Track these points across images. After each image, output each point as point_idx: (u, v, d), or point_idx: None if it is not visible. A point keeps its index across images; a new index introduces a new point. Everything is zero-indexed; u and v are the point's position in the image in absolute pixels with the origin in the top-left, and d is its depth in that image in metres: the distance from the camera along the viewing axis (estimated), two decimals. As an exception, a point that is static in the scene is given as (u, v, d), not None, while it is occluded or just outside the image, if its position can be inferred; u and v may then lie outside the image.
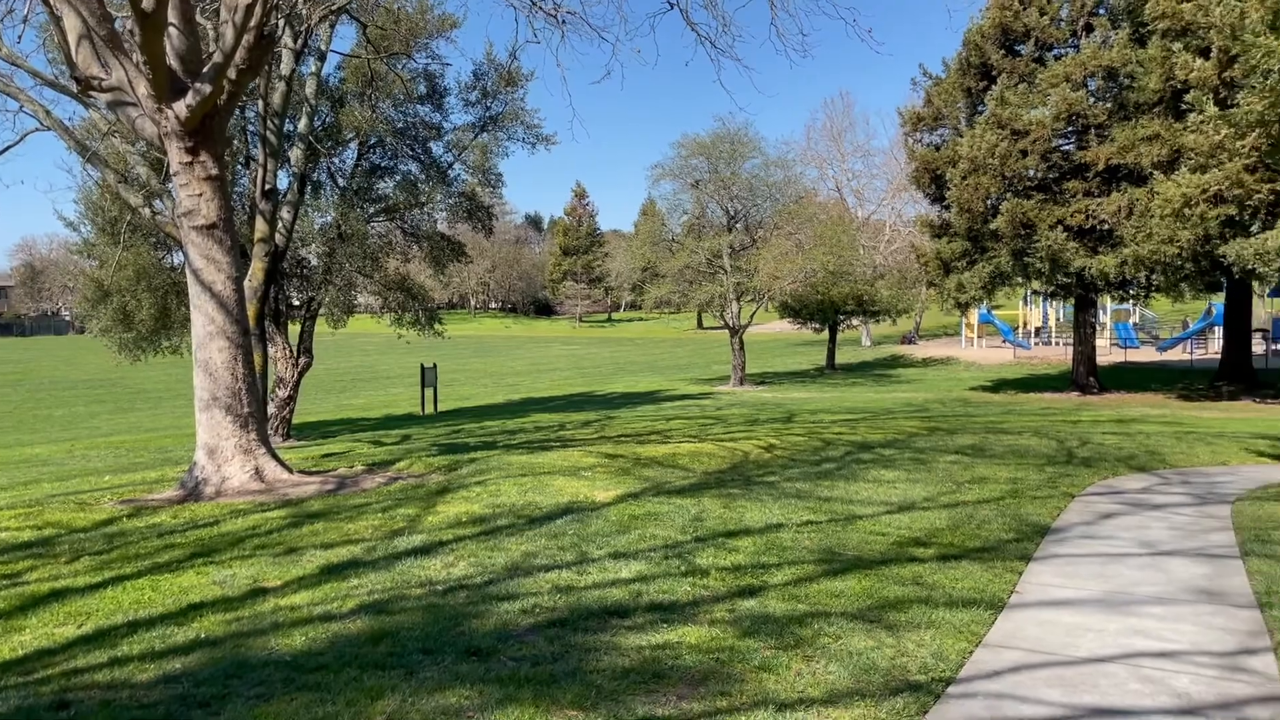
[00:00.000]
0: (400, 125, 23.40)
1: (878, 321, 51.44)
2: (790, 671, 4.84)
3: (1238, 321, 30.33)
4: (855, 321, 50.84)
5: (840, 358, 48.86)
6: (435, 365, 31.33)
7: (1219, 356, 32.25)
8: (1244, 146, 18.78)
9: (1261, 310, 43.86)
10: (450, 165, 24.40)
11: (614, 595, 6.11)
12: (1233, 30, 19.58)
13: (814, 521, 8.41)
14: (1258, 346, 36.41)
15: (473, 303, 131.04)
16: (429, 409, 30.17)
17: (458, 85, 24.79)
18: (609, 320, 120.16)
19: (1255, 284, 27.96)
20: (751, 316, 40.26)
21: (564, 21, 12.35)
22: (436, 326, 25.09)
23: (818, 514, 8.74)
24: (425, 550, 7.33)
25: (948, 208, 29.96)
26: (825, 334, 47.71)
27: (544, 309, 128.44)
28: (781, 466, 11.77)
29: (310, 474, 11.15)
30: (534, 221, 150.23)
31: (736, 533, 7.91)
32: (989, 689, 4.72)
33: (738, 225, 39.69)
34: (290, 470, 10.82)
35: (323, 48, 19.55)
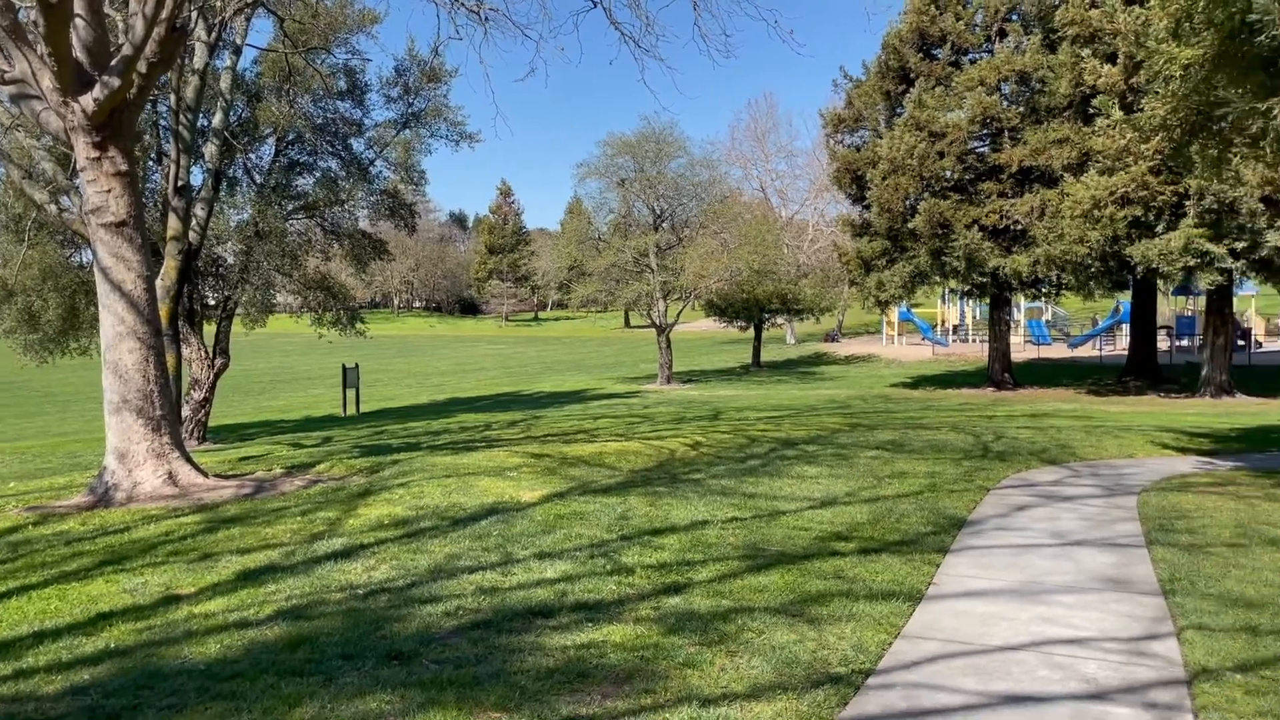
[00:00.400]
0: (320, 121, 22.97)
1: (802, 320, 52.11)
2: (714, 667, 4.88)
3: (1144, 319, 31.49)
4: (780, 320, 51.39)
5: (765, 355, 49.39)
6: (357, 365, 30.83)
7: (1126, 353, 33.45)
8: (1148, 150, 19.46)
9: (1166, 308, 45.60)
10: (372, 162, 24.05)
11: (539, 595, 6.09)
12: (1137, 37, 20.26)
13: (739, 518, 8.49)
14: (1162, 343, 37.83)
15: (396, 302, 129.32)
16: (351, 410, 29.67)
17: (379, 81, 24.53)
18: (535, 319, 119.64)
19: (1160, 283, 29.07)
20: (678, 315, 40.46)
21: (487, 19, 12.26)
22: (358, 326, 24.69)
23: (742, 510, 8.83)
24: (346, 554, 7.21)
25: (868, 208, 30.51)
26: (751, 332, 48.18)
27: (469, 308, 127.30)
28: (707, 464, 11.85)
29: (226, 478, 10.88)
30: (459, 219, 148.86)
31: (662, 530, 7.95)
32: (907, 679, 4.82)
33: (664, 224, 39.84)
34: (205, 474, 10.55)
35: (238, 41, 19.06)
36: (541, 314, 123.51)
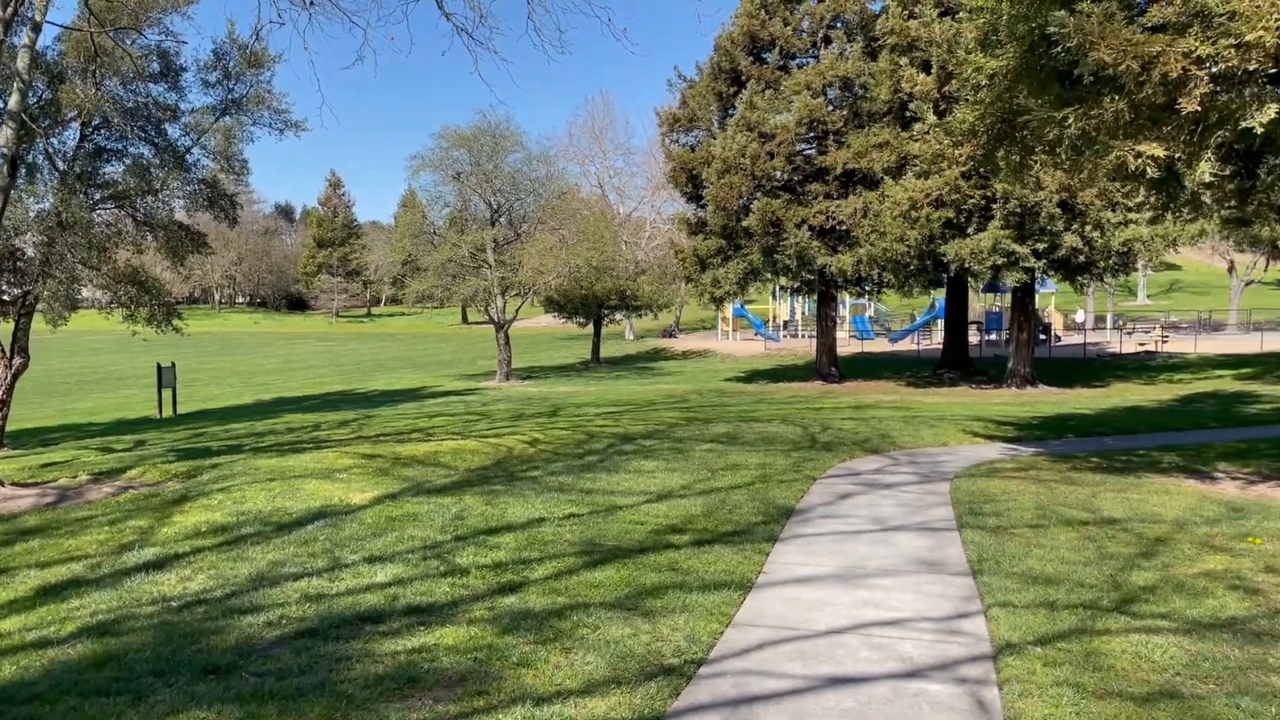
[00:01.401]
0: (130, 105, 21.53)
1: (640, 316, 52.71)
2: (549, 665, 4.86)
3: (957, 315, 33.43)
4: (619, 316, 51.83)
5: (605, 351, 49.69)
6: (174, 364, 29.16)
7: (941, 347, 35.42)
8: (960, 155, 20.66)
9: (977, 304, 48.61)
10: (189, 149, 22.72)
11: (369, 600, 5.91)
12: (949, 47, 21.50)
13: (576, 514, 8.50)
14: (974, 337, 40.29)
15: (218, 297, 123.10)
16: (168, 412, 28.04)
17: (196, 64, 23.04)
18: (369, 315, 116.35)
19: (971, 280, 30.88)
20: (517, 311, 40.17)
21: (312, 3, 11.76)
22: (175, 323, 23.29)
23: (580, 507, 8.84)
24: (159, 564, 6.80)
25: (704, 206, 31.13)
26: (590, 328, 48.38)
27: (297, 304, 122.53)
28: (545, 461, 11.81)
29: (26, 486, 10.08)
30: (285, 211, 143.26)
31: (498, 529, 7.86)
32: (737, 667, 4.94)
33: (501, 219, 39.47)
34: (1, 483, 9.74)
35: (37, 18, 17.55)
36: (375, 310, 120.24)
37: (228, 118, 23.00)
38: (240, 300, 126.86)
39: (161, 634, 5.34)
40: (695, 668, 4.89)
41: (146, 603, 5.95)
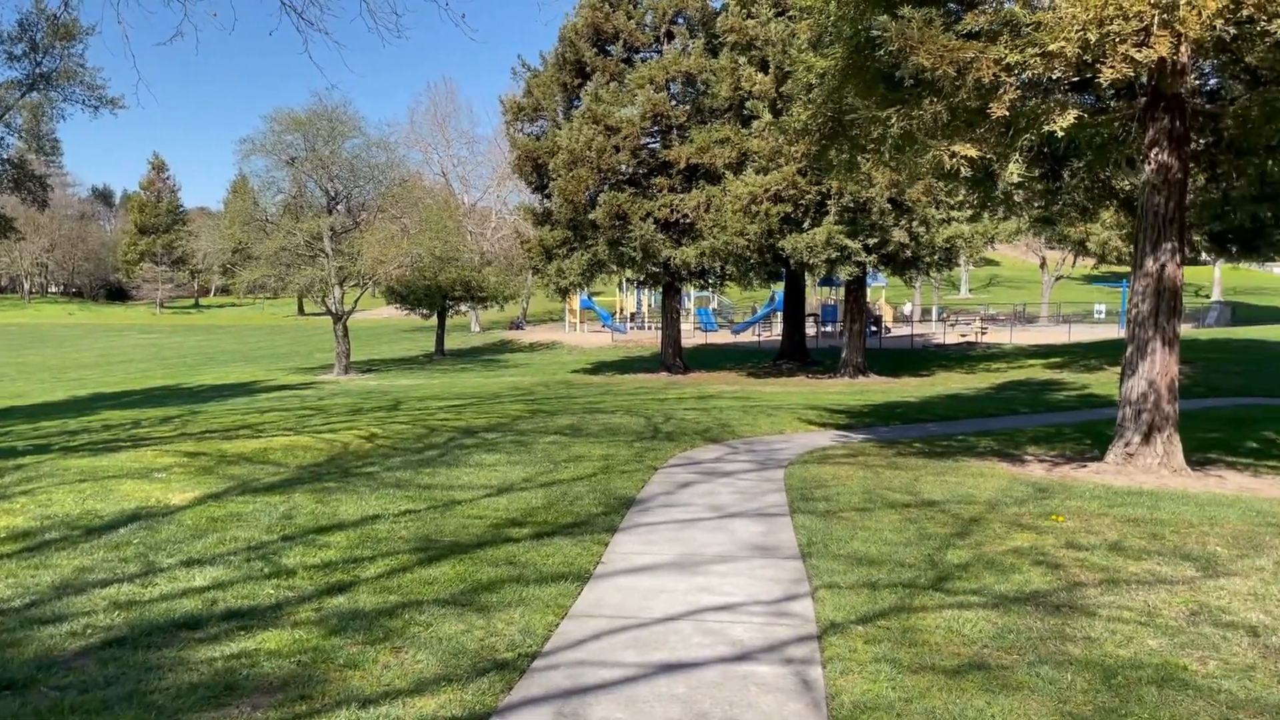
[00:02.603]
0: (-79, 75, 19.77)
1: (486, 307, 52.12)
2: (378, 665, 4.73)
3: (795, 308, 34.54)
4: (464, 307, 51.10)
5: (450, 343, 48.90)
6: (-24, 358, 26.97)
7: (780, 338, 36.53)
8: (797, 152, 21.33)
9: (814, 298, 50.41)
10: (-10, 126, 21.06)
11: (185, 606, 5.60)
12: (784, 46, 22.12)
13: (413, 510, 8.31)
14: (811, 329, 41.74)
15: (28, 286, 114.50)
16: (-31, 410, 25.91)
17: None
18: (196, 306, 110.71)
19: (808, 274, 31.96)
20: (356, 302, 39.04)
21: (125, -28, 11.04)
22: (-25, 313, 21.58)
23: (417, 502, 8.65)
24: (-52, 575, 6.25)
25: (550, 197, 31.05)
26: (434, 320, 47.50)
27: (117, 293, 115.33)
28: (383, 456, 11.51)
29: None
30: (103, 195, 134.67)
31: (329, 528, 7.60)
32: (572, 658, 4.93)
33: (339, 206, 38.22)
34: None
35: None
36: (203, 300, 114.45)
37: (35, 93, 21.49)
38: (53, 290, 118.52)
39: (-52, 651, 4.91)
40: (529, 661, 4.85)
41: (-69, 618, 5.46)
